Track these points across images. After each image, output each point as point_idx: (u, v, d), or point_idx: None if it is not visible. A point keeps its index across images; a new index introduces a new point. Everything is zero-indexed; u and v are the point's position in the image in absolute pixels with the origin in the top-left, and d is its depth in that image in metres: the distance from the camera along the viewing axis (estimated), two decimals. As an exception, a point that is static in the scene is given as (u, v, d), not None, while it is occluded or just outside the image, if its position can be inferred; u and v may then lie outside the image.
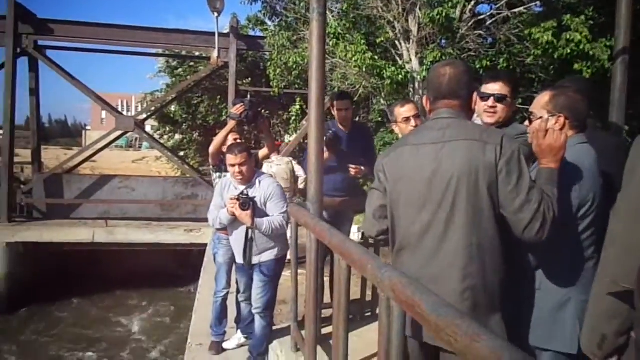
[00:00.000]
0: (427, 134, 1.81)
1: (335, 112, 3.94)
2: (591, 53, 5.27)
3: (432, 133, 1.78)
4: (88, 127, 61.38)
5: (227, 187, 3.45)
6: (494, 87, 2.29)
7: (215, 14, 8.78)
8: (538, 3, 6.24)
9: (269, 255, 3.38)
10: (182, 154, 15.09)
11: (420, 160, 1.76)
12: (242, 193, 3.26)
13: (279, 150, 4.31)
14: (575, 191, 1.74)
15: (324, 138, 3.69)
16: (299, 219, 2.93)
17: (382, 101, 7.36)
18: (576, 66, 5.56)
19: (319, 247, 2.66)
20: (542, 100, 1.93)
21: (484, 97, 2.30)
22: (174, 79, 14.98)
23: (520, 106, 6.12)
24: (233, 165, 3.27)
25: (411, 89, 6.65)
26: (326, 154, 3.76)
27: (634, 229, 1.19)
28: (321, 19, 2.62)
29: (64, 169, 10.60)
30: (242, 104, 3.77)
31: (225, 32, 9.75)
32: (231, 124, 3.81)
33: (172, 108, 15.08)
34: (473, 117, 2.20)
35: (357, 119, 4.22)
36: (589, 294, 1.42)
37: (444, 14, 5.54)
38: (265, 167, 3.83)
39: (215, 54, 9.34)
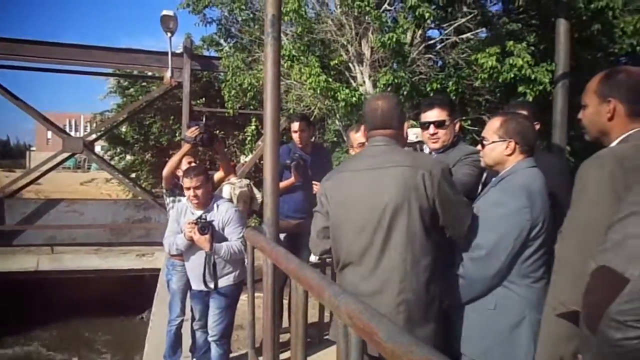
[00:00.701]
0: (363, 160, 1.96)
1: (292, 134, 3.97)
2: (533, 77, 5.54)
3: (368, 160, 1.93)
4: (33, 148, 58.79)
5: (183, 212, 3.36)
6: (432, 114, 2.38)
7: (169, 34, 8.67)
8: (484, 29, 6.53)
9: (226, 281, 3.30)
10: (133, 175, 14.58)
11: (358, 186, 1.89)
12: (200, 217, 3.19)
13: (235, 171, 4.23)
14: (527, 213, 1.82)
15: (292, 162, 3.72)
16: (255, 244, 2.88)
17: (337, 122, 7.44)
18: (520, 88, 5.83)
19: (275, 272, 2.62)
20: (493, 125, 2.01)
21: (425, 125, 2.38)
22: (125, 99, 14.55)
23: (470, 127, 6.34)
24: (189, 189, 3.20)
25: (365, 111, 6.71)
26: (292, 179, 3.77)
27: (583, 254, 1.23)
28: (276, 43, 2.65)
29: (5, 192, 9.98)
30: (197, 126, 3.67)
31: (179, 52, 9.62)
32: (186, 147, 3.72)
33: (123, 129, 14.62)
34: (407, 141, 2.30)
35: (313, 139, 4.21)
36: (542, 313, 1.46)
37: (394, 39, 5.68)
38: (227, 189, 3.76)
39: (168, 73, 9.18)
